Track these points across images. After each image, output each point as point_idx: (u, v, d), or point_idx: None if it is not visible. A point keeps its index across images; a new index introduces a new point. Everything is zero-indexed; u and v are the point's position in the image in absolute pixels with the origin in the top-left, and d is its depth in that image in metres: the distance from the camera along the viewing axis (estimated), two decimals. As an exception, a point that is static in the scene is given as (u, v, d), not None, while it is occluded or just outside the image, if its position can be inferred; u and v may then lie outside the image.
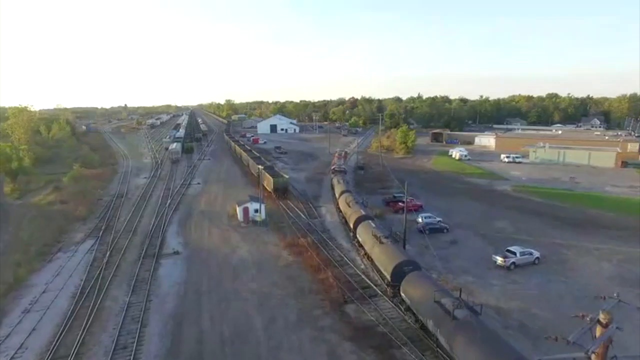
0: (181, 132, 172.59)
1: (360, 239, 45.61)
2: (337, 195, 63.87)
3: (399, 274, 34.07)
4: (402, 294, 32.73)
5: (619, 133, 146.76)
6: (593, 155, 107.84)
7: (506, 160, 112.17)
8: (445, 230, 55.11)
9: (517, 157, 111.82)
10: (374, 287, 38.26)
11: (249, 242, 50.48)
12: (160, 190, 78.45)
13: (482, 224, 58.92)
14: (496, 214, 63.55)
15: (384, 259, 37.34)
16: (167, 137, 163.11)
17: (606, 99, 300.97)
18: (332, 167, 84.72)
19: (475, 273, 41.87)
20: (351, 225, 49.65)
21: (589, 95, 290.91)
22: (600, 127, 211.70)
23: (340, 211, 58.58)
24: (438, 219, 58.59)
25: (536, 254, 44.29)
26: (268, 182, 72.34)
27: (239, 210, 58.13)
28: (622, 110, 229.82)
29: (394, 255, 36.59)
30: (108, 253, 46.07)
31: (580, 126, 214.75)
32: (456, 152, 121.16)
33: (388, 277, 35.82)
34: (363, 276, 40.71)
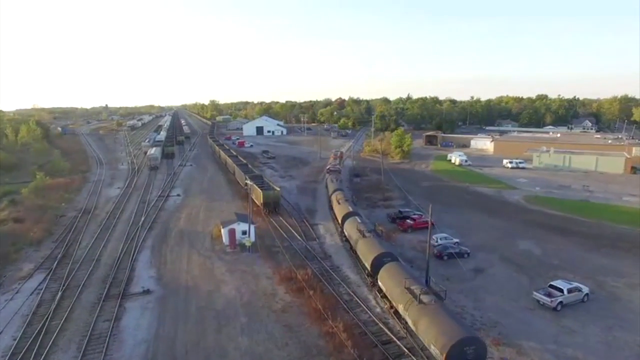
0: (162, 135, 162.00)
1: (347, 234, 48.47)
2: (329, 193, 67.04)
3: (377, 265, 36.86)
4: (379, 283, 35.64)
5: (620, 136, 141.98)
6: (601, 161, 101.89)
7: (509, 165, 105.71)
8: (466, 255, 47.42)
9: (520, 163, 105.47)
10: (398, 341, 30.17)
11: (237, 274, 41.87)
12: (134, 204, 69.11)
13: (504, 245, 51.44)
14: (516, 232, 56.18)
15: (366, 251, 40.26)
16: (147, 140, 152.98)
17: (589, 100, 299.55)
18: (328, 167, 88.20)
19: (516, 317, 34.14)
20: (339, 221, 53.18)
21: (575, 97, 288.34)
22: (591, 128, 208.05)
23: (332, 208, 61.12)
24: (455, 240, 50.95)
25: (585, 289, 36.83)
26: (257, 195, 63.73)
27: (224, 233, 49.51)
28: (612, 112, 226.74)
29: (374, 247, 39.56)
30: (59, 294, 36.93)
31: (572, 128, 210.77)
32: (455, 157, 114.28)
33: (368, 267, 38.74)
34: (381, 325, 32.59)
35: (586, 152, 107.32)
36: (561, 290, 35.55)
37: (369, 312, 34.65)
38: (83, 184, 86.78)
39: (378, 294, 36.84)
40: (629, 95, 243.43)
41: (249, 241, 47.42)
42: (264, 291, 38.37)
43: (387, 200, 72.23)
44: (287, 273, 41.14)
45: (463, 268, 42.98)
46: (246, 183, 51.98)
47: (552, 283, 36.92)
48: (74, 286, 38.63)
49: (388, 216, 61.74)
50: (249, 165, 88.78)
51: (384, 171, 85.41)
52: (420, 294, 29.14)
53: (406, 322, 30.06)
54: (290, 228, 56.23)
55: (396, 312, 32.42)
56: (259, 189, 63.67)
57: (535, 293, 36.51)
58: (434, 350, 25.76)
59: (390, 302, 33.61)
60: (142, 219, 60.44)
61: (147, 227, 56.60)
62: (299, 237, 53.07)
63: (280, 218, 60.60)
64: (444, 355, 24.45)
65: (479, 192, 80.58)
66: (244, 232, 49.25)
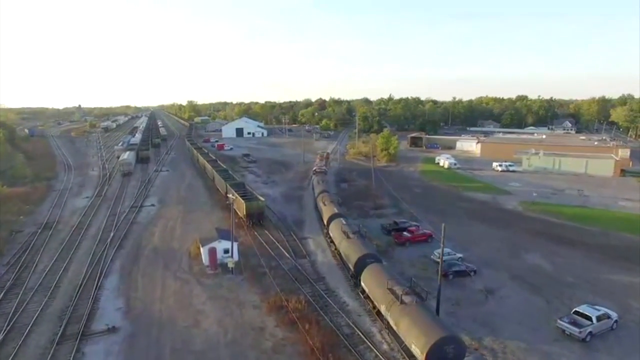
0: (137, 138, 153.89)
1: (331, 235, 48.92)
2: (316, 195, 67.13)
3: (361, 266, 37.33)
4: (362, 284, 36.14)
5: (604, 137, 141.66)
6: (590, 164, 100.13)
7: (499, 168, 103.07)
8: (472, 273, 43.16)
9: (510, 166, 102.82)
10: (413, 390, 25.50)
11: (219, 303, 36.46)
12: (103, 217, 62.63)
13: (510, 259, 47.53)
14: (520, 244, 52.41)
15: (350, 252, 40.68)
16: (120, 143, 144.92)
17: (564, 100, 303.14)
18: (314, 169, 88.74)
19: (542, 352, 29.86)
20: (325, 222, 53.55)
21: (552, 97, 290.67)
22: (571, 129, 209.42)
23: (318, 210, 61.58)
24: (459, 254, 46.74)
25: (614, 315, 32.92)
26: (239, 205, 58.20)
27: (203, 252, 43.92)
28: (591, 113, 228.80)
29: (357, 249, 40.05)
30: (1, 337, 30.79)
31: (552, 129, 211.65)
32: (444, 160, 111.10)
33: (352, 268, 39.34)
34: (391, 367, 27.85)
35: (576, 155, 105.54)
36: (589, 318, 31.51)
37: (374, 349, 29.83)
38: (47, 193, 79.34)
39: (361, 295, 37.33)
40: (606, 97, 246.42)
41: (232, 262, 42.03)
42: (251, 324, 33.13)
43: (379, 209, 67.72)
44: (276, 300, 35.98)
45: (486, 295, 38.81)
46: (228, 197, 45.92)
47: (577, 309, 32.87)
48: (22, 325, 32.44)
49: (382, 227, 57.10)
50: (230, 171, 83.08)
51: (374, 176, 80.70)
52: (402, 295, 29.75)
53: (388, 323, 30.71)
54: (277, 243, 51.04)
55: (378, 313, 33.12)
56: (241, 199, 58.20)
57: (559, 321, 32.37)
58: (414, 349, 26.32)
59: (372, 302, 34.16)
60: (111, 234, 54.24)
61: (117, 245, 50.44)
62: (287, 254, 47.92)
63: (266, 231, 55.34)
64: (424, 354, 25.00)
65: (473, 198, 76.95)
66: (226, 251, 43.89)
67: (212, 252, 42.91)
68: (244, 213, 57.19)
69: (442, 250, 33.96)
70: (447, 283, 41.18)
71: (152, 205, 70.09)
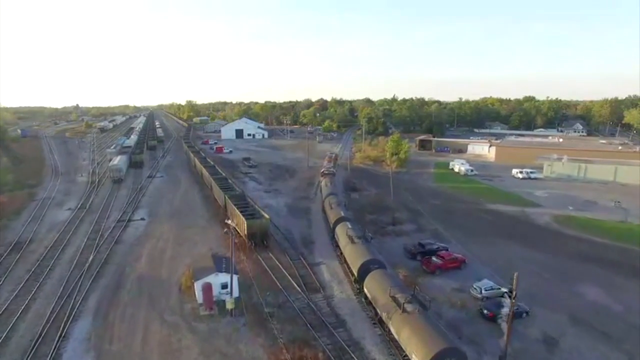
0: (131, 140, 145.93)
1: (337, 239, 47.93)
2: (323, 197, 65.89)
3: (364, 272, 36.60)
4: (365, 290, 35.46)
5: (627, 141, 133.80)
6: (620, 171, 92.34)
7: (519, 175, 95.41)
8: (524, 314, 35.44)
9: (532, 173, 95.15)
10: None
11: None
12: (84, 235, 54.76)
13: (565, 294, 39.77)
14: (569, 272, 44.65)
15: (353, 257, 39.97)
16: (113, 146, 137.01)
17: (568, 101, 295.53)
18: (322, 170, 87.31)
19: None
20: (331, 226, 52.46)
21: (557, 98, 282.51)
22: (583, 131, 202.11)
23: (325, 212, 60.97)
24: (504, 289, 38.91)
25: None
26: (239, 223, 50.38)
27: (197, 288, 36.05)
28: (603, 115, 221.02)
29: (361, 254, 39.23)
30: None
31: (563, 131, 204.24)
32: (459, 166, 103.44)
33: (355, 273, 38.49)
34: None
35: (603, 161, 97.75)
36: None
37: None
38: (26, 203, 71.41)
39: (364, 301, 36.52)
40: (619, 98, 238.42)
41: (232, 302, 34.16)
42: (256, 398, 25.37)
43: (398, 225, 59.85)
44: (287, 359, 28.16)
45: (553, 342, 30.76)
46: (227, 224, 37.42)
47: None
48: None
49: (405, 250, 49.19)
50: (229, 180, 75.27)
51: (389, 185, 72.50)
52: (404, 303, 29.18)
53: (389, 331, 30.04)
54: (284, 271, 43.21)
55: (381, 320, 32.29)
56: (242, 217, 50.37)
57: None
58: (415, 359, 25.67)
59: (375, 309, 33.40)
60: (91, 257, 46.43)
61: (95, 273, 42.55)
62: (296, 286, 40.09)
63: (270, 254, 47.56)
64: None
65: (499, 210, 69.03)
66: (224, 286, 36.10)
67: (207, 289, 35.00)
68: (246, 232, 49.37)
69: (511, 323, 25.98)
70: (494, 329, 33.53)
71: (142, 219, 62.21)
